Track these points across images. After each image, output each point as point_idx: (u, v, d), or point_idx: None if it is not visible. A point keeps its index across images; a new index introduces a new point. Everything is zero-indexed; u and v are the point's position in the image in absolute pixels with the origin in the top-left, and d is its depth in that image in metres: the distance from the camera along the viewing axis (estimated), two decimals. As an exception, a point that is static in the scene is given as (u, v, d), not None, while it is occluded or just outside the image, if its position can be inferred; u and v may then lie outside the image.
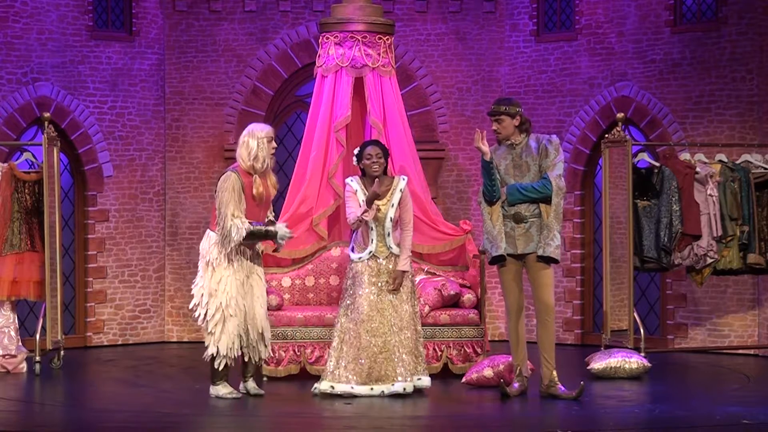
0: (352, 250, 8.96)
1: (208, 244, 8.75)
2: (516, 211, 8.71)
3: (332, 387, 8.79)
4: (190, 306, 8.82)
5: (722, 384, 9.69)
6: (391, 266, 8.87)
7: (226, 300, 8.66)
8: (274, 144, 8.83)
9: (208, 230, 8.82)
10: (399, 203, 8.90)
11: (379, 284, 8.85)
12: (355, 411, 8.42)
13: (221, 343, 8.66)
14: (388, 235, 8.87)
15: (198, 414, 8.39)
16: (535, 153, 8.71)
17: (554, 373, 8.78)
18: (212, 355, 8.70)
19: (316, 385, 8.91)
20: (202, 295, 8.70)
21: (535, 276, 8.74)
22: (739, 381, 9.78)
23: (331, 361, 8.86)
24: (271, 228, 8.74)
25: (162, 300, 12.34)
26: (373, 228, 8.84)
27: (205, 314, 8.68)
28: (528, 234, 8.68)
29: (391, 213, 8.88)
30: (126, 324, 12.11)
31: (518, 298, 8.80)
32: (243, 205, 8.67)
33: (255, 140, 8.74)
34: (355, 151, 9.04)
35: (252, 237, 8.67)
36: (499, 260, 8.77)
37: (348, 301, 8.89)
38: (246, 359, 8.85)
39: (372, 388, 8.76)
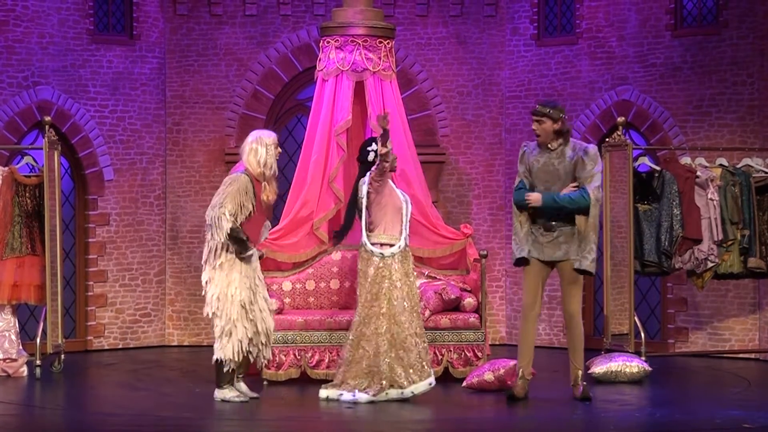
0: (376, 243, 8.75)
1: (215, 248, 8.73)
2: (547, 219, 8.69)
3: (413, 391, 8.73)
4: (205, 314, 8.78)
5: (723, 388, 9.68)
6: (407, 258, 8.85)
7: (236, 304, 8.66)
8: (279, 149, 8.87)
9: None
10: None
11: (406, 275, 8.77)
12: (356, 415, 8.41)
13: (228, 349, 8.66)
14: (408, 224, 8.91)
15: (199, 418, 8.39)
16: (568, 162, 8.66)
17: (579, 373, 8.84)
18: (219, 359, 8.70)
19: (348, 396, 8.74)
20: (216, 299, 8.69)
21: (567, 286, 8.76)
22: (740, 385, 9.77)
23: (389, 365, 8.69)
24: (248, 245, 8.66)
25: (162, 304, 12.33)
26: (404, 215, 8.82)
27: (217, 318, 8.68)
28: (556, 242, 8.66)
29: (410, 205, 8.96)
30: (126, 328, 12.10)
31: (535, 301, 8.77)
32: (247, 210, 8.67)
33: (264, 147, 8.74)
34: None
35: (233, 238, 8.60)
36: (521, 263, 8.75)
37: (376, 299, 8.69)
38: (252, 360, 8.85)
39: (387, 393, 8.69)
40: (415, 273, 8.91)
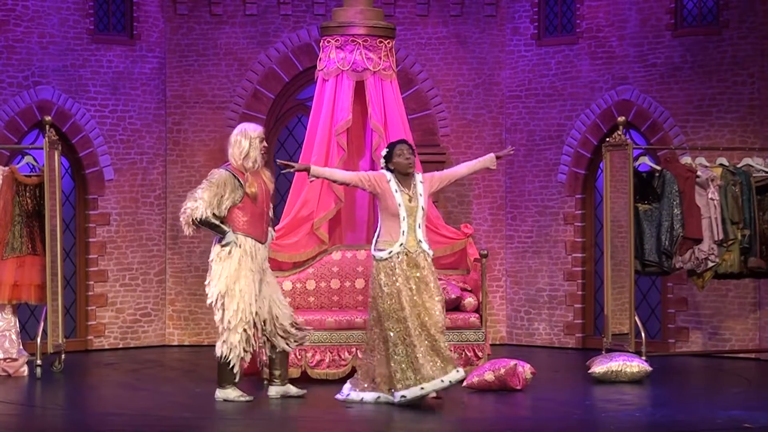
0: (376, 248, 8.64)
1: (217, 249, 8.78)
2: None
3: (404, 396, 8.47)
4: (208, 303, 8.81)
5: (723, 388, 9.68)
6: (422, 263, 8.58)
7: (239, 301, 8.67)
8: (265, 144, 8.91)
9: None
10: (427, 190, 8.69)
11: (415, 278, 8.54)
12: (356, 415, 8.42)
13: (227, 346, 8.67)
14: (419, 227, 8.60)
15: (199, 417, 8.39)
16: None
17: None
18: (221, 356, 8.71)
19: (365, 397, 8.63)
20: (217, 295, 8.71)
21: None
22: (741, 385, 9.78)
23: (394, 369, 8.49)
24: (223, 226, 8.71)
25: (163, 303, 12.33)
26: (404, 218, 8.59)
27: (221, 316, 8.69)
28: None
29: (422, 203, 8.65)
30: (127, 327, 12.10)
31: None
32: (226, 203, 8.71)
33: (248, 140, 8.81)
34: (383, 153, 8.81)
35: (205, 225, 8.69)
36: None
37: (387, 303, 8.51)
38: (272, 358, 8.88)
39: (442, 380, 8.47)
40: (420, 277, 8.57)
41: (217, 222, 8.70)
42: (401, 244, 8.59)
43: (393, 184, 8.66)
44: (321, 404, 8.91)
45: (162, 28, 12.31)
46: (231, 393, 8.75)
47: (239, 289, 8.67)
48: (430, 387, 8.44)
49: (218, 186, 8.69)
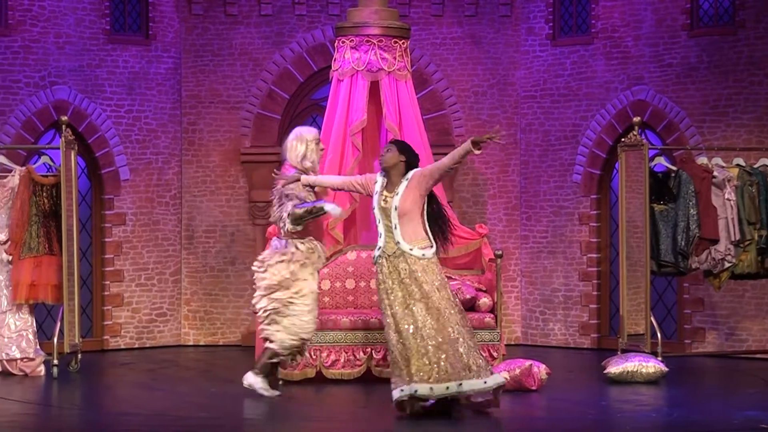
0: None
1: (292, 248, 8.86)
2: None
3: (398, 399, 8.16)
4: (254, 303, 8.88)
5: (740, 388, 9.66)
6: (402, 265, 8.14)
7: (308, 295, 8.79)
8: (321, 145, 8.96)
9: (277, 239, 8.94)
10: (412, 188, 8.16)
11: (395, 281, 8.14)
12: (368, 414, 8.43)
13: (284, 336, 8.75)
14: (396, 227, 8.15)
15: (215, 417, 8.40)
16: None
17: None
18: (275, 347, 8.76)
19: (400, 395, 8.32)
20: (275, 287, 8.79)
21: None
22: (757, 385, 9.75)
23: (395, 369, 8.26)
24: (314, 206, 8.71)
25: (178, 303, 12.36)
26: (380, 220, 8.24)
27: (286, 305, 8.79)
28: None
29: (396, 202, 8.12)
30: (143, 327, 12.13)
31: None
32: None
33: (303, 143, 8.87)
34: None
35: (300, 219, 8.72)
36: None
37: (385, 311, 8.29)
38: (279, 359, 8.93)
39: (447, 387, 7.99)
40: (400, 280, 8.16)
41: (306, 210, 8.69)
42: (380, 248, 8.25)
43: (378, 186, 8.31)
44: (335, 404, 8.92)
45: (177, 29, 12.33)
46: (259, 382, 8.75)
47: (310, 291, 8.80)
48: (418, 388, 8.14)
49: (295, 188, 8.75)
